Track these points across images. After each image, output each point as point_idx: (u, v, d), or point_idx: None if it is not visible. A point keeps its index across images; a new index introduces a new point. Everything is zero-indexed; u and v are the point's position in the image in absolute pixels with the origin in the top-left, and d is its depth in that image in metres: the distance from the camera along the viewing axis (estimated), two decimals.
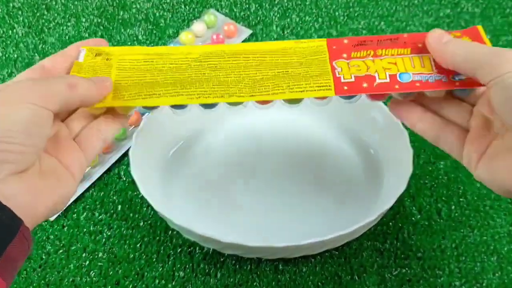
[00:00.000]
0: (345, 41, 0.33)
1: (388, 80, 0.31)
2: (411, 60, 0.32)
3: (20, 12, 0.61)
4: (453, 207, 0.44)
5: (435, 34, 0.31)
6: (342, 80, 0.31)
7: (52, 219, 0.43)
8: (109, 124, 0.32)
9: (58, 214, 0.44)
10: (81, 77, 0.30)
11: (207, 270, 0.41)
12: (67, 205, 0.44)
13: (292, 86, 0.32)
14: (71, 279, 0.40)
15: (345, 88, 0.31)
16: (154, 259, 0.41)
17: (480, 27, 0.32)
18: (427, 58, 0.32)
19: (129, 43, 0.58)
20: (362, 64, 0.32)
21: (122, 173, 0.47)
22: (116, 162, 0.48)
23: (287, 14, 0.61)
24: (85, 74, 0.32)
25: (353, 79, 0.31)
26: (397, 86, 0.31)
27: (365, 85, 0.31)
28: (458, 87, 0.31)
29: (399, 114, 0.34)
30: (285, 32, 0.59)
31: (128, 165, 0.47)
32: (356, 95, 0.32)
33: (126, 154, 0.48)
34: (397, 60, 0.32)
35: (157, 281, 0.40)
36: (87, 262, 0.41)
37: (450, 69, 0.31)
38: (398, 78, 0.31)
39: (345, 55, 0.32)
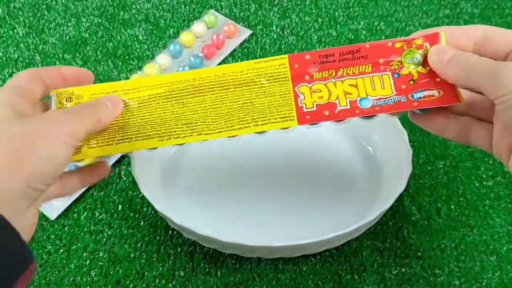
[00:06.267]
0: (307, 56, 0.33)
1: (348, 106, 0.32)
2: (371, 81, 0.32)
3: (20, 13, 0.62)
4: (452, 206, 0.44)
5: (434, 55, 0.30)
6: (305, 110, 0.32)
7: (52, 218, 0.44)
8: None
9: (59, 213, 0.44)
10: (105, 103, 0.30)
11: (207, 270, 0.41)
12: (65, 207, 0.44)
13: (256, 119, 0.32)
14: (71, 279, 0.41)
15: (308, 117, 0.32)
16: (155, 259, 0.42)
17: (443, 34, 0.31)
18: (387, 77, 0.32)
19: (129, 43, 0.58)
20: (324, 88, 0.32)
21: (122, 172, 0.47)
22: (116, 161, 0.48)
23: (287, 15, 0.61)
24: None
25: (315, 108, 0.32)
26: (357, 111, 0.32)
27: (326, 113, 0.32)
28: (416, 107, 0.31)
29: (423, 126, 0.33)
30: (285, 33, 0.59)
31: (128, 164, 0.47)
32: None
33: (126, 154, 0.48)
34: (358, 81, 0.32)
35: (157, 280, 0.40)
36: (88, 261, 0.41)
37: (408, 87, 0.31)
38: (358, 104, 0.32)
39: (307, 77, 0.33)
